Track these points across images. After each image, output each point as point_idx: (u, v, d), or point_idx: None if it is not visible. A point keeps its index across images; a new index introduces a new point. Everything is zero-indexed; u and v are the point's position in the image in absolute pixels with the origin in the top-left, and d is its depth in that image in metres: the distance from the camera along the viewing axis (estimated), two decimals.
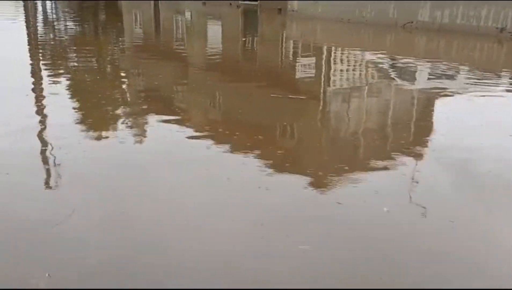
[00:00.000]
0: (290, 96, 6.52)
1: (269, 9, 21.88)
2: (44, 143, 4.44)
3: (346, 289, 2.41)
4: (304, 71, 9.00)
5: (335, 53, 11.05)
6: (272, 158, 4.15)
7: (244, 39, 14.31)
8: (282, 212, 3.15)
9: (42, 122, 5.13)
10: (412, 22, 14.36)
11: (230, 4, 24.41)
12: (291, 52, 11.65)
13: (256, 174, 3.79)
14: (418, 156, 4.29)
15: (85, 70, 8.38)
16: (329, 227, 2.97)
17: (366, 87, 7.50)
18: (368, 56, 10.30)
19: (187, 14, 23.46)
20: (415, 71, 8.81)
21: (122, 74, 8.65)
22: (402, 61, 9.80)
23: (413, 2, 14.31)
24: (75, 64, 9.15)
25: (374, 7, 15.32)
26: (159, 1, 28.60)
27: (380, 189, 3.49)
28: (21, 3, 26.88)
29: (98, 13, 23.43)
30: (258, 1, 23.24)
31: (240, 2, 24.08)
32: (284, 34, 15.52)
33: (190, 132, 4.87)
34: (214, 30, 17.51)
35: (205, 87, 7.44)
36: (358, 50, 11.10)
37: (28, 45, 11.83)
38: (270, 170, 3.88)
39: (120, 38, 14.28)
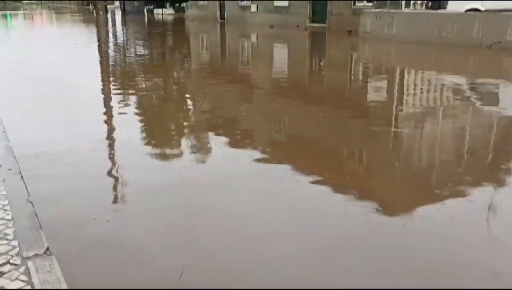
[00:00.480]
0: (360, 118, 6.11)
1: (338, 31, 21.11)
2: (111, 163, 4.56)
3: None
4: (376, 94, 8.36)
5: (410, 75, 10.08)
6: (351, 186, 3.94)
7: (312, 61, 13.75)
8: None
9: (110, 145, 5.30)
10: (499, 42, 13.01)
11: (297, 26, 23.93)
12: (361, 74, 10.81)
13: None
14: (500, 183, 4.07)
15: (152, 95, 8.57)
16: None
17: (441, 110, 6.87)
18: (449, 78, 9.28)
19: (253, 37, 23.24)
20: (499, 94, 8.10)
21: (188, 97, 8.64)
22: (485, 83, 8.77)
23: (501, 19, 13.00)
24: (143, 88, 9.24)
25: (456, 27, 14.09)
26: (226, 24, 28.76)
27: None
28: (94, 29, 27.98)
29: (166, 37, 23.78)
30: (326, 23, 22.56)
31: (307, 24, 23.53)
32: (355, 56, 14.64)
33: (256, 155, 4.74)
34: (281, 53, 17.18)
35: (271, 110, 7.19)
36: (441, 73, 10.05)
37: (100, 71, 12.05)
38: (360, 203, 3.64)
39: (187, 62, 14.30)
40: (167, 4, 41.62)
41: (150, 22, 32.87)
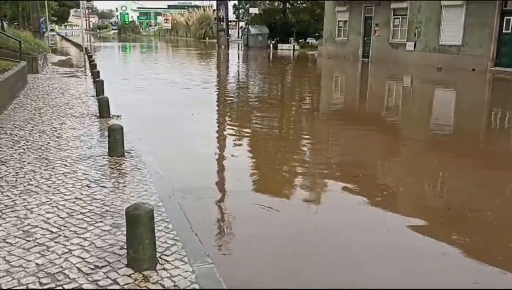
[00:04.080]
0: None
1: None
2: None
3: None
4: None
5: None
6: None
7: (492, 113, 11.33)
8: None
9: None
10: None
11: (473, 70, 19.43)
12: None
13: None
14: None
15: (273, 137, 8.28)
16: None
17: None
18: None
19: (407, 80, 19.18)
20: None
21: (312, 142, 8.06)
22: None
23: None
24: (263, 129, 8.89)
25: None
26: (370, 63, 24.98)
27: None
28: (214, 68, 25.66)
29: (293, 74, 20.59)
30: None
31: (494, 68, 18.94)
32: None
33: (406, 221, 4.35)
34: (444, 101, 13.88)
35: (425, 168, 6.25)
36: None
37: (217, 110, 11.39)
38: None
39: (316, 101, 13.30)
40: (291, 39, 38.96)
41: (278, 60, 30.09)
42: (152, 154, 6.03)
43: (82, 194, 4.38)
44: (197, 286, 2.88)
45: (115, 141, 5.69)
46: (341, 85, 18.43)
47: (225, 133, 8.59)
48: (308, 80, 19.51)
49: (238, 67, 25.06)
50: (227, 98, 13.03)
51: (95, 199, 4.27)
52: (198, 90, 14.10)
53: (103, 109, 8.13)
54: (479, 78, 18.50)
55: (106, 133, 6.48)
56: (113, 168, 5.27)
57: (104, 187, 4.62)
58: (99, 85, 10.57)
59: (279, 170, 6.24)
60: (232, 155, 6.95)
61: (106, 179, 4.87)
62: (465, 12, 20.00)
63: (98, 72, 12.87)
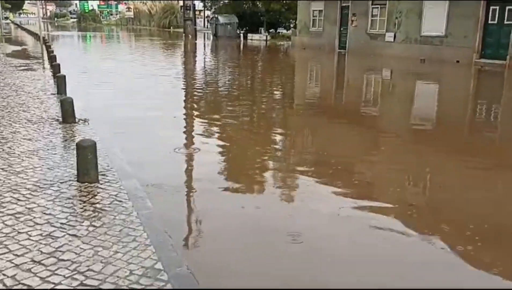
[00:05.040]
0: None
1: None
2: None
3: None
4: None
5: None
6: None
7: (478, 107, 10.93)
8: None
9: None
10: None
11: (457, 62, 18.72)
12: None
13: None
14: None
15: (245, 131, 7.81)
16: None
17: None
18: None
19: (386, 73, 18.31)
20: None
21: (289, 137, 7.57)
22: None
23: None
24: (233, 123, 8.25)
25: None
26: (347, 55, 24.02)
27: None
28: (183, 61, 24.22)
29: (268, 67, 19.43)
30: (507, 60, 17.22)
31: (479, 60, 18.23)
32: None
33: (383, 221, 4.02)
34: (426, 93, 13.34)
35: (407, 162, 6.05)
36: None
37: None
38: None
39: (290, 94, 12.52)
40: (262, 30, 37.59)
41: (251, 51, 28.75)
42: (135, 175, 4.66)
43: (42, 253, 3.00)
44: None
45: (85, 161, 4.28)
46: (318, 78, 17.31)
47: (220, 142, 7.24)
48: (283, 72, 18.30)
49: (210, 59, 23.50)
50: (206, 96, 11.64)
51: (62, 261, 2.90)
52: (169, 86, 12.66)
53: (67, 113, 6.65)
54: (464, 70, 17.80)
55: (72, 145, 5.07)
56: (85, 202, 3.88)
57: (75, 236, 3.25)
58: (60, 81, 9.01)
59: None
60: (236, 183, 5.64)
61: (77, 221, 3.49)
62: (449, 2, 19.21)
63: (59, 65, 11.23)
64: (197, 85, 13.29)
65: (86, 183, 4.23)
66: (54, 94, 9.05)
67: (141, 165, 5.33)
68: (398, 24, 21.85)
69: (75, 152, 4.44)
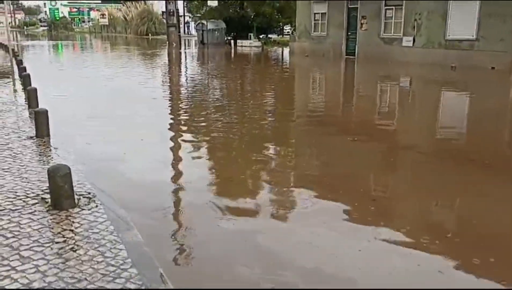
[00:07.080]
0: None
1: None
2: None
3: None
4: None
5: None
6: None
7: None
8: None
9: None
10: None
11: (493, 68, 16.54)
12: None
13: None
14: None
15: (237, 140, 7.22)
16: None
17: None
18: None
19: (405, 81, 16.04)
20: None
21: (290, 152, 6.94)
22: None
23: None
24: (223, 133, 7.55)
25: None
26: (356, 61, 21.70)
27: None
28: (169, 77, 21.42)
29: (262, 73, 16.96)
30: None
31: None
32: None
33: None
34: (454, 103, 11.81)
35: (430, 181, 5.32)
36: None
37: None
38: None
39: (289, 103, 11.58)
40: (251, 35, 35.01)
41: (246, 60, 26.09)
42: None
43: None
44: None
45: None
46: (318, 85, 14.80)
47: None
48: (301, 92, 15.74)
49: (204, 74, 20.23)
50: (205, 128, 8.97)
51: None
52: (157, 108, 10.00)
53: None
54: (502, 77, 15.63)
55: None
56: None
57: None
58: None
59: None
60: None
61: None
62: (480, 1, 17.02)
63: (36, 90, 8.39)
64: (206, 115, 10.60)
65: None
66: (32, 137, 6.25)
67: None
68: (417, 27, 19.59)
69: None
